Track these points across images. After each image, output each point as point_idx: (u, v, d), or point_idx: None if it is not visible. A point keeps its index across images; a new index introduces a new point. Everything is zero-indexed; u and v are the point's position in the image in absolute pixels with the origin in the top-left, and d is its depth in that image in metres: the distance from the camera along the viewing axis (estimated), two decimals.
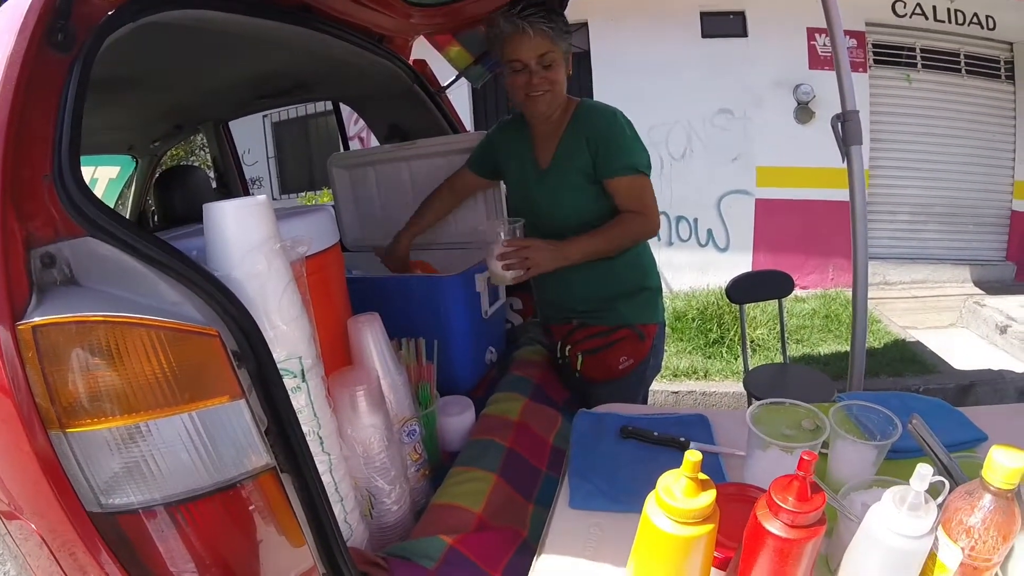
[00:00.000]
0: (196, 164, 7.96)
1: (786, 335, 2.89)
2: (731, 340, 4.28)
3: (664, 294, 5.63)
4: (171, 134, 3.25)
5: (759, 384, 2.59)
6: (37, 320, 0.76)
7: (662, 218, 5.95)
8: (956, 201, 5.82)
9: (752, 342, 4.23)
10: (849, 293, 5.23)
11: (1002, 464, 0.58)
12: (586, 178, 1.72)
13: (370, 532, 1.27)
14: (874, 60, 5.46)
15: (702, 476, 0.61)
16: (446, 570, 1.12)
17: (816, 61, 5.37)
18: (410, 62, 2.22)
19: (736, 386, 3.71)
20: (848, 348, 4.17)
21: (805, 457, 0.59)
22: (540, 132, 1.81)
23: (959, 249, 5.95)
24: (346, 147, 3.22)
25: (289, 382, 1.01)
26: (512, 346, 2.16)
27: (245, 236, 0.99)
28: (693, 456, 0.59)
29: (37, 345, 0.76)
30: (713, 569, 0.70)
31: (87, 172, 2.08)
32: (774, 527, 0.60)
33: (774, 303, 3.06)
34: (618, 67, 5.71)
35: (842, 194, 5.36)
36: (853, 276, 2.21)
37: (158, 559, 0.83)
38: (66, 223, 0.82)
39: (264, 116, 8.10)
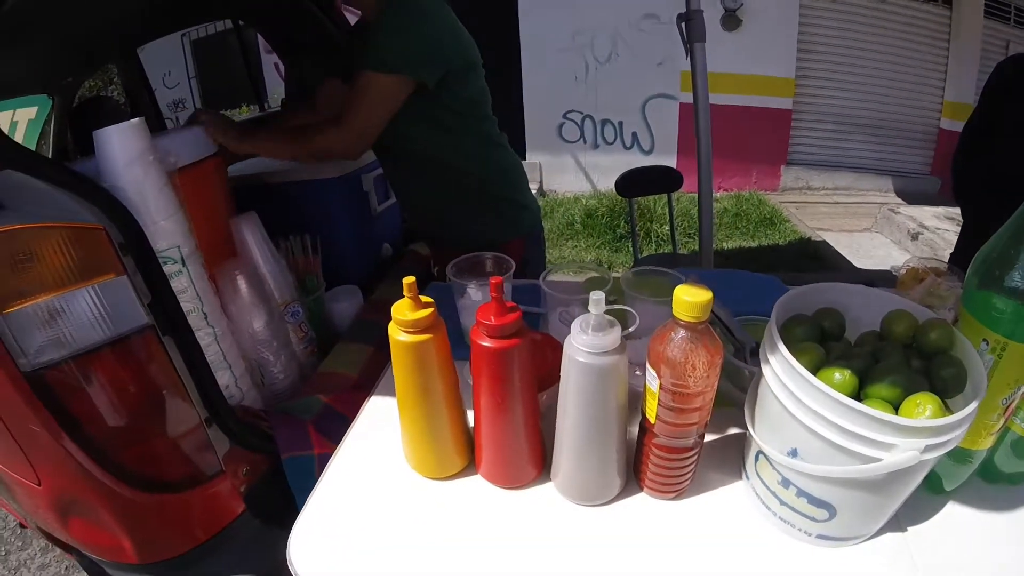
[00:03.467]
0: (115, 93, 7.76)
1: (675, 228, 3.07)
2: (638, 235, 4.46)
3: (585, 195, 5.86)
4: (81, 69, 3.26)
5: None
6: None
7: (587, 121, 6.10)
8: (883, 115, 5.99)
9: (657, 237, 4.49)
10: (765, 195, 5.56)
11: (684, 300, 0.66)
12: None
13: (264, 399, 1.50)
14: None
15: (424, 298, 0.79)
16: (320, 422, 1.34)
17: None
18: None
19: None
20: (753, 243, 4.51)
21: (493, 281, 0.75)
22: (365, 24, 1.69)
23: (884, 160, 6.16)
24: (258, 68, 3.22)
25: (171, 267, 1.21)
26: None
27: (124, 152, 1.18)
28: (408, 280, 0.76)
29: None
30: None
31: (7, 116, 2.16)
32: (481, 340, 0.76)
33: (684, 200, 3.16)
34: None
35: (772, 101, 5.68)
36: (698, 162, 2.35)
37: (79, 406, 1.05)
38: None
39: (183, 35, 7.85)
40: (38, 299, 0.99)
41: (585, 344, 0.71)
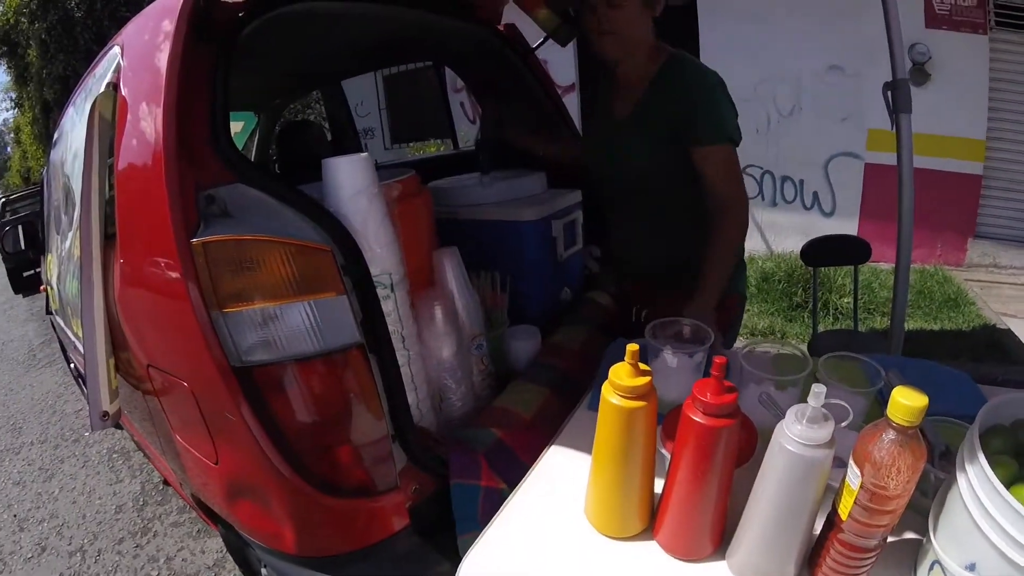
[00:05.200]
0: (312, 116, 8.53)
1: (858, 303, 2.91)
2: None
3: (761, 256, 5.65)
4: (290, 93, 3.68)
5: (823, 348, 2.61)
6: (205, 238, 1.11)
7: (766, 177, 5.88)
8: None
9: (836, 309, 4.23)
10: (949, 271, 5.09)
11: (902, 403, 0.65)
12: (666, 138, 1.62)
13: (439, 423, 1.58)
14: (995, 21, 4.89)
15: (642, 366, 0.82)
16: (491, 456, 1.39)
17: (933, 19, 4.94)
18: (500, 27, 2.37)
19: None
20: (935, 326, 4.16)
21: (717, 361, 0.77)
22: (622, 80, 1.73)
23: None
24: (446, 105, 3.43)
25: (381, 291, 1.32)
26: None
27: (352, 182, 1.32)
28: (632, 347, 0.81)
29: (206, 254, 1.11)
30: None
31: None
32: (694, 415, 0.78)
33: (865, 272, 2.96)
34: (724, 14, 5.56)
35: (959, 165, 5.22)
36: (897, 246, 2.20)
37: (278, 404, 1.17)
38: (222, 173, 1.17)
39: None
40: (256, 305, 1.12)
41: (798, 435, 0.72)
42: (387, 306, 1.34)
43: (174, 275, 1.13)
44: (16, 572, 2.83)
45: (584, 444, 1.07)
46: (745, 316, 4.41)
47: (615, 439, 0.86)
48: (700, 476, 0.81)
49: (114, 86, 1.39)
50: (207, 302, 1.12)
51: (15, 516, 3.29)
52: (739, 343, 3.84)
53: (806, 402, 0.73)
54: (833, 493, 0.77)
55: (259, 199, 1.18)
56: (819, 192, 5.75)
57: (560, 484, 1.06)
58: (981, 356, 3.72)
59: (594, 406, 1.24)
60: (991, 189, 5.29)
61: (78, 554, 2.86)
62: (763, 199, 5.99)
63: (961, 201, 5.31)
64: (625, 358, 0.82)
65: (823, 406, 0.72)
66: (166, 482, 3.15)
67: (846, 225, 5.51)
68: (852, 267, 2.88)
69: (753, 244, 6.09)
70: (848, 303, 4.22)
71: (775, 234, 5.94)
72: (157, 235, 1.16)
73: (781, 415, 0.76)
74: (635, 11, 1.57)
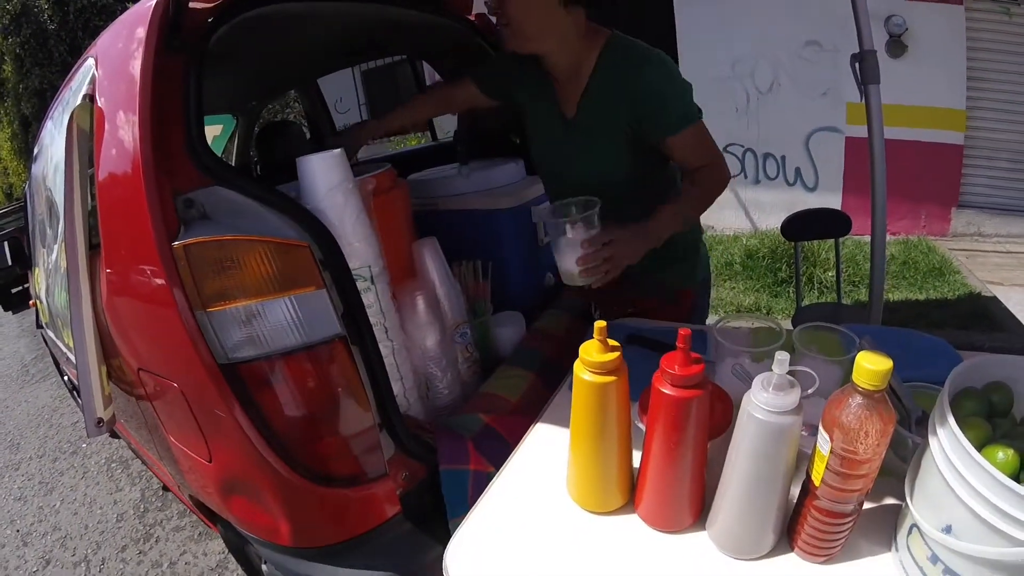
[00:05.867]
0: (291, 116, 8.49)
1: (842, 276, 2.93)
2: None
3: (745, 233, 5.66)
4: (266, 95, 3.69)
5: (806, 321, 2.62)
6: (186, 241, 1.13)
7: (748, 155, 5.86)
8: None
9: (820, 283, 4.25)
10: (933, 241, 5.12)
11: (866, 367, 0.66)
12: (623, 135, 1.50)
13: (426, 412, 1.61)
14: None
15: (611, 342, 0.85)
16: (479, 440, 1.41)
17: None
18: (471, 17, 2.36)
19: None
20: (920, 296, 4.19)
21: (683, 332, 0.78)
22: (557, 76, 1.57)
23: None
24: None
25: (361, 284, 1.35)
26: None
27: (326, 179, 1.35)
28: (599, 323, 0.83)
29: (187, 257, 1.12)
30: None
31: None
32: (663, 388, 0.80)
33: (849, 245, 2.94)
34: None
35: (940, 135, 5.24)
36: (872, 215, 2.22)
37: (266, 399, 1.19)
38: (199, 177, 1.19)
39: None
40: (239, 303, 1.14)
41: (765, 402, 0.73)
42: (368, 298, 1.37)
43: (158, 280, 1.15)
44: None
45: (566, 423, 1.09)
46: (731, 293, 4.48)
47: (589, 415, 0.89)
48: (673, 448, 0.83)
49: (90, 97, 1.40)
50: (191, 303, 1.14)
51: (18, 531, 3.31)
52: (713, 318, 3.89)
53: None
54: (807, 460, 0.79)
55: (236, 200, 1.20)
56: (801, 168, 5.74)
57: (543, 463, 1.08)
58: (967, 324, 3.75)
59: None
60: (973, 159, 5.29)
61: (82, 564, 2.88)
62: (746, 177, 5.98)
63: (943, 171, 5.32)
64: (594, 335, 0.84)
65: (789, 373, 0.74)
66: (165, 488, 3.17)
67: (830, 199, 5.51)
68: (834, 240, 2.89)
69: (737, 222, 6.12)
70: (832, 277, 4.23)
71: (759, 211, 5.95)
72: (139, 241, 1.19)
73: None
74: (527, 2, 1.40)
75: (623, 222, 1.41)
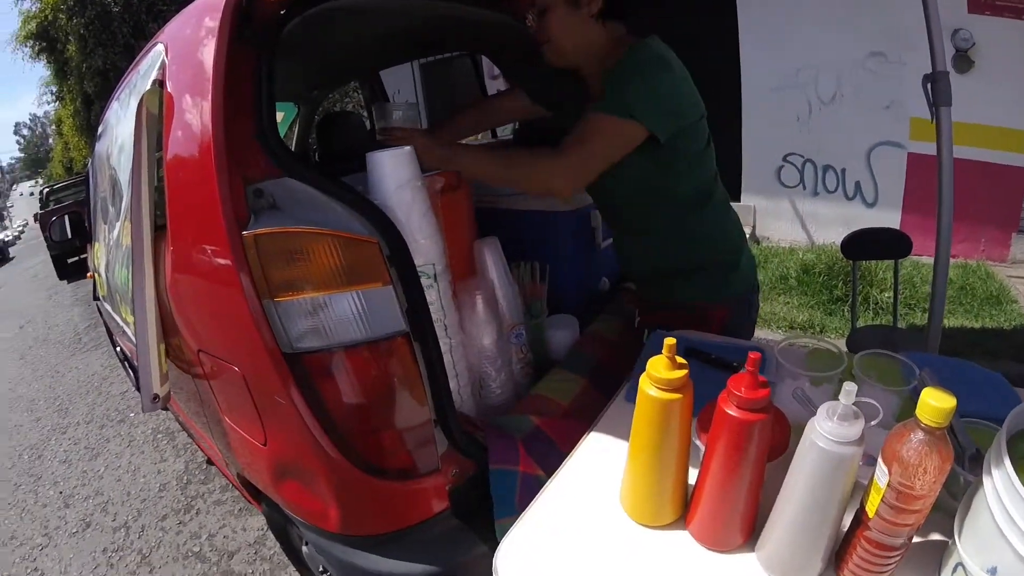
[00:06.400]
0: (350, 105, 8.54)
1: (899, 298, 2.86)
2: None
3: (802, 247, 5.56)
4: (328, 84, 3.73)
5: (861, 343, 2.55)
6: (257, 231, 1.15)
7: (808, 166, 5.75)
8: None
9: (876, 304, 4.14)
10: (992, 267, 4.96)
11: (930, 404, 0.66)
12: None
13: (478, 410, 1.62)
14: None
15: (679, 359, 0.83)
16: (529, 442, 1.41)
17: (976, 4, 4.71)
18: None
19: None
20: (976, 324, 4.08)
21: (752, 356, 0.77)
22: (592, 82, 1.55)
23: None
24: (484, 93, 3.46)
25: (424, 281, 1.35)
26: None
27: (396, 176, 1.37)
28: (670, 340, 0.82)
29: (257, 246, 1.15)
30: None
31: None
32: (729, 409, 0.79)
33: (906, 265, 2.85)
34: (762, 2, 5.43)
35: (1003, 157, 5.06)
36: (936, 244, 2.16)
37: (326, 389, 1.21)
38: (270, 168, 1.21)
39: None
40: (306, 294, 1.16)
41: (829, 431, 0.73)
42: (430, 295, 1.38)
43: (226, 267, 1.18)
44: (61, 547, 2.94)
45: (621, 434, 1.09)
46: (784, 308, 4.39)
47: (651, 430, 0.88)
48: (732, 468, 0.83)
49: (160, 83, 1.43)
50: (259, 291, 1.16)
51: (61, 493, 3.42)
52: (778, 336, 3.83)
53: (838, 399, 0.74)
54: (862, 491, 0.78)
55: (306, 192, 1.21)
56: (861, 182, 5.57)
57: (597, 471, 1.07)
58: (1022, 356, 3.63)
59: (631, 397, 1.24)
60: None
61: (122, 530, 2.96)
62: (804, 188, 5.84)
63: (1006, 194, 5.13)
64: (663, 351, 0.84)
65: (854, 404, 0.73)
66: (210, 461, 3.24)
67: (888, 216, 5.36)
68: (893, 261, 2.82)
69: (794, 233, 6.00)
70: (888, 297, 4.13)
71: (816, 224, 5.82)
72: (208, 228, 1.21)
73: (814, 411, 0.77)
74: (561, 15, 1.44)
75: (650, 231, 1.57)
